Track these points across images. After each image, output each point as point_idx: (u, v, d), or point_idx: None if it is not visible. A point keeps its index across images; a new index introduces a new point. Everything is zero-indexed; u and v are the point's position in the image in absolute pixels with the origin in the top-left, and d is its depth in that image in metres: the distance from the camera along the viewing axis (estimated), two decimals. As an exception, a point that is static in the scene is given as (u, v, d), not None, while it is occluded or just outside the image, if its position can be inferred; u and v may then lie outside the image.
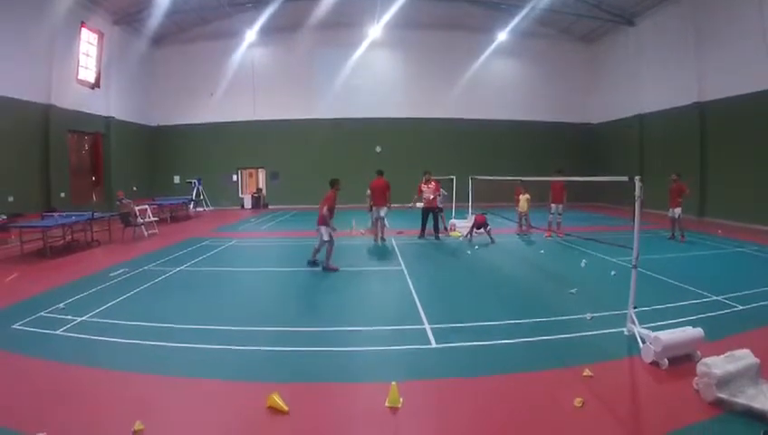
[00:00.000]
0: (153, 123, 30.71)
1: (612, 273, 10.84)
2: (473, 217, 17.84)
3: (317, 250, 12.07)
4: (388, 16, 27.58)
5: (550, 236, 16.16)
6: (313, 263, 12.07)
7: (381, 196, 15.64)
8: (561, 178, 16.09)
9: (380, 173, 16.21)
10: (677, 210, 15.42)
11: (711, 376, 4.85)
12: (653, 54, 25.26)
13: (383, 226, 16.11)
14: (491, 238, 15.51)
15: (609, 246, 11.09)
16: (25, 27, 19.19)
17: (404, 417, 4.82)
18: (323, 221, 11.59)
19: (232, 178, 31.50)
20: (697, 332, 6.00)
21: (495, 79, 31.31)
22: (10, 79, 18.59)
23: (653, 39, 25.23)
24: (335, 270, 11.56)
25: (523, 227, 17.16)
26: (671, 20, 23.55)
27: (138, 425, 4.47)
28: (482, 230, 15.70)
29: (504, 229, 17.12)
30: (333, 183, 12.26)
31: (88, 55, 24.19)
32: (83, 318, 7.83)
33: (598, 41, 31.16)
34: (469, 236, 16.04)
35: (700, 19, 21.66)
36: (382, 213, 15.74)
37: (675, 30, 23.23)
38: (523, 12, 27.10)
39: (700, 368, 5.05)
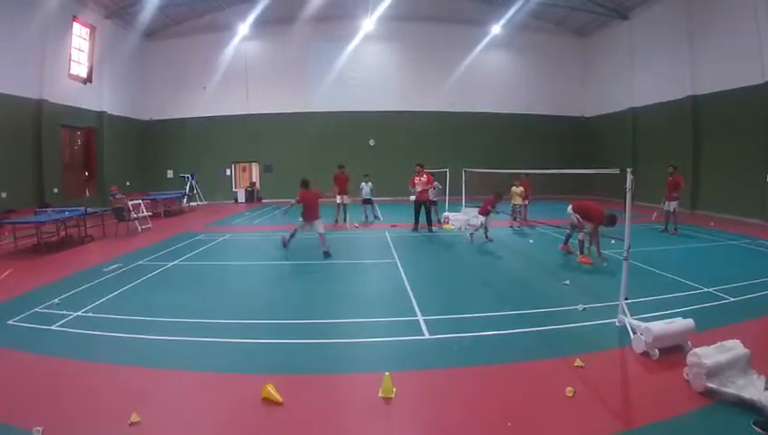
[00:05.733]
0: (146, 117, 30.60)
1: (604, 264, 10.90)
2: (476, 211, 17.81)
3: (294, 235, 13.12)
4: (381, 9, 27.47)
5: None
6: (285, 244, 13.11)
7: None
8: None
9: (341, 167, 18.81)
10: (673, 204, 15.46)
11: (701, 366, 4.90)
12: (647, 48, 25.31)
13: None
14: (486, 235, 14.59)
15: (602, 238, 11.18)
16: (17, 22, 19.05)
17: (397, 407, 4.87)
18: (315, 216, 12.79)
19: (225, 172, 31.43)
20: (688, 323, 6.06)
21: (489, 72, 31.30)
22: (1, 74, 18.47)
23: (647, 33, 25.28)
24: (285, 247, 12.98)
25: (517, 220, 17.17)
26: (665, 14, 23.58)
27: (134, 417, 4.51)
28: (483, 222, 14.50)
29: (496, 222, 17.17)
30: (307, 184, 13.12)
31: (80, 50, 24.07)
32: (79, 313, 7.83)
33: (592, 34, 31.18)
34: (475, 232, 14.60)
35: (693, 13, 21.70)
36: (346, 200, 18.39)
37: (668, 24, 23.28)
38: (517, 5, 27.05)
39: (690, 358, 5.10)
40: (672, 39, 23.00)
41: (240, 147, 30.73)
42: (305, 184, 13.03)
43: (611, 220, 10.74)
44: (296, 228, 12.98)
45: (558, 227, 15.05)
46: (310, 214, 12.71)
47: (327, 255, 12.46)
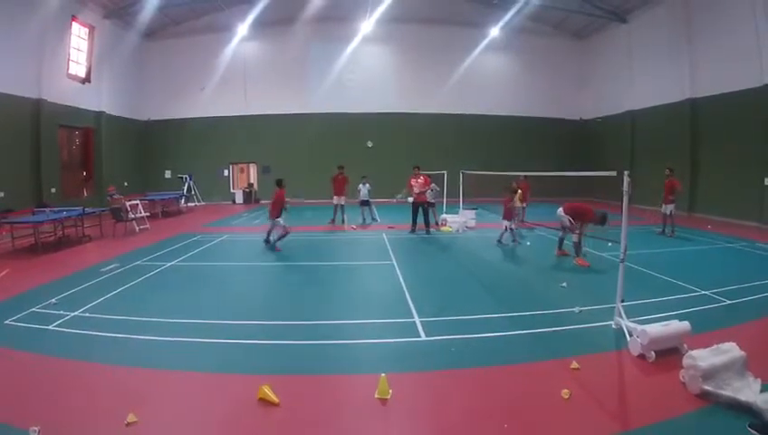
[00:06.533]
0: (144, 118, 30.55)
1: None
2: (473, 213, 17.84)
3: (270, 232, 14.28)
4: (380, 11, 27.48)
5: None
6: (268, 242, 14.24)
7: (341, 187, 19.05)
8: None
9: (341, 168, 19.27)
10: (670, 207, 15.49)
11: (697, 369, 4.92)
12: (645, 51, 25.36)
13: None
14: (502, 239, 14.40)
15: (599, 241, 11.21)
16: (16, 21, 19.00)
17: (393, 408, 4.88)
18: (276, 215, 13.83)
19: (223, 172, 31.43)
20: (684, 325, 6.08)
21: (487, 74, 31.31)
22: (0, 74, 18.48)
23: (645, 36, 25.33)
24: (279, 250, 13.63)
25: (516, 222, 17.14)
26: (663, 17, 23.61)
27: (131, 417, 4.51)
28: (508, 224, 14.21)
29: (493, 224, 17.21)
30: (280, 183, 14.31)
31: (79, 50, 24.01)
32: (76, 313, 7.83)
33: (590, 37, 31.22)
34: (511, 235, 14.34)
35: (692, 16, 21.74)
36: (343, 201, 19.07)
37: (667, 27, 23.31)
38: (516, 7, 27.09)
39: (686, 361, 5.12)
40: (670, 42, 23.04)
41: (238, 148, 30.69)
42: (278, 183, 14.40)
43: (603, 218, 11.17)
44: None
45: (556, 229, 15.05)
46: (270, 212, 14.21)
47: (266, 243, 14.17)
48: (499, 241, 14.35)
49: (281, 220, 13.74)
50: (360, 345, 6.66)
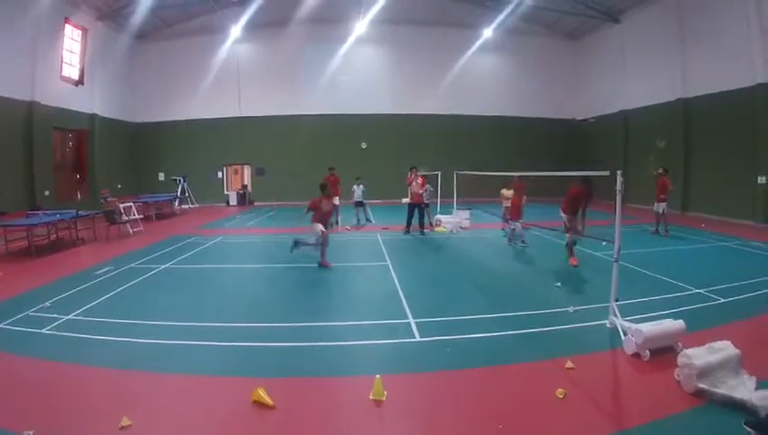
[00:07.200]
0: (138, 120, 30.49)
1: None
2: (467, 213, 17.81)
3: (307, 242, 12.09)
4: (373, 12, 27.57)
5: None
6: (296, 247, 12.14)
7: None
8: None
9: (331, 169, 18.51)
10: (662, 205, 15.54)
11: (692, 367, 4.93)
12: (638, 51, 25.48)
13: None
14: (517, 240, 14.36)
15: (594, 241, 11.22)
16: (8, 24, 18.96)
17: (388, 409, 4.87)
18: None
19: (217, 174, 31.37)
20: (679, 324, 6.08)
21: (481, 75, 31.44)
22: (-7, 76, 18.41)
23: (638, 36, 25.44)
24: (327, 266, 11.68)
25: (510, 223, 17.12)
26: (656, 17, 23.74)
27: (125, 421, 4.49)
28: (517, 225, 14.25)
29: (488, 224, 17.23)
30: (323, 188, 11.98)
31: (72, 52, 23.97)
32: (69, 316, 7.79)
33: (583, 38, 31.34)
34: (509, 234, 14.55)
35: (684, 17, 21.86)
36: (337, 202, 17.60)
37: (659, 27, 23.42)
38: (509, 8, 27.15)
39: (681, 359, 5.13)
40: (663, 42, 23.14)
41: (232, 149, 30.65)
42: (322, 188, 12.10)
43: (587, 183, 11.05)
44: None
45: (552, 229, 15.05)
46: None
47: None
48: (518, 241, 14.34)
49: (320, 227, 11.54)
50: (354, 347, 6.64)
